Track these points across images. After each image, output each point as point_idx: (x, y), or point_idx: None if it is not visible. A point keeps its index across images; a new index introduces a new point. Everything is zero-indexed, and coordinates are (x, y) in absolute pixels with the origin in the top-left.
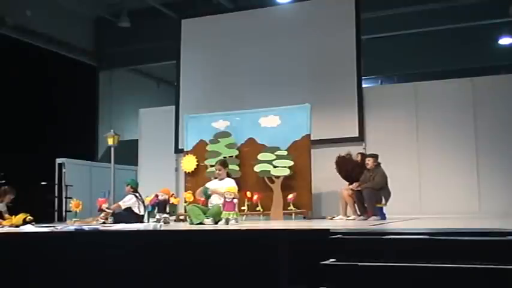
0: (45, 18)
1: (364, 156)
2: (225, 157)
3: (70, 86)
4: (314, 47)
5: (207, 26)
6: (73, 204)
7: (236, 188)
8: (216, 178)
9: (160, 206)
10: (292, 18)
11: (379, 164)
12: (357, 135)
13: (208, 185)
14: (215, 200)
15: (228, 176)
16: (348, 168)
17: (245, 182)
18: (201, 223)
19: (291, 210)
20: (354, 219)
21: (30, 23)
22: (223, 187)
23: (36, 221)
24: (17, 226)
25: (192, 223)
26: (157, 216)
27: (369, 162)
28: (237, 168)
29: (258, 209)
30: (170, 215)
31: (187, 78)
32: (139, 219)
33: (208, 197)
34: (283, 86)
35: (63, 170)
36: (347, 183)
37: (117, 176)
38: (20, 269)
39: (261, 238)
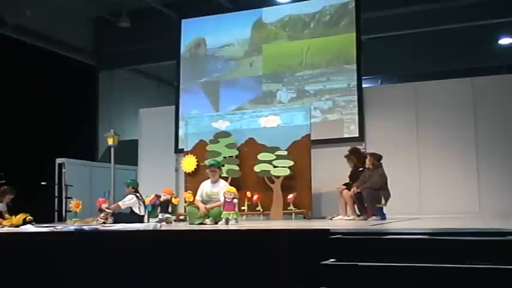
0: (45, 18)
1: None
2: (224, 157)
3: (70, 86)
4: (314, 47)
5: (207, 26)
6: (73, 204)
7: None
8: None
9: (163, 206)
10: (292, 18)
11: (380, 164)
12: (357, 135)
13: (202, 186)
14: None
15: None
16: (360, 160)
17: (245, 182)
18: (201, 223)
19: (291, 210)
20: (354, 219)
21: (30, 23)
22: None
23: (36, 221)
24: (17, 226)
25: (192, 223)
26: (160, 216)
27: (366, 161)
28: (237, 168)
29: (258, 209)
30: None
31: (188, 78)
32: (139, 219)
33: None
34: (283, 86)
35: (63, 170)
36: (345, 183)
37: (117, 176)
38: (20, 269)
39: (261, 238)
